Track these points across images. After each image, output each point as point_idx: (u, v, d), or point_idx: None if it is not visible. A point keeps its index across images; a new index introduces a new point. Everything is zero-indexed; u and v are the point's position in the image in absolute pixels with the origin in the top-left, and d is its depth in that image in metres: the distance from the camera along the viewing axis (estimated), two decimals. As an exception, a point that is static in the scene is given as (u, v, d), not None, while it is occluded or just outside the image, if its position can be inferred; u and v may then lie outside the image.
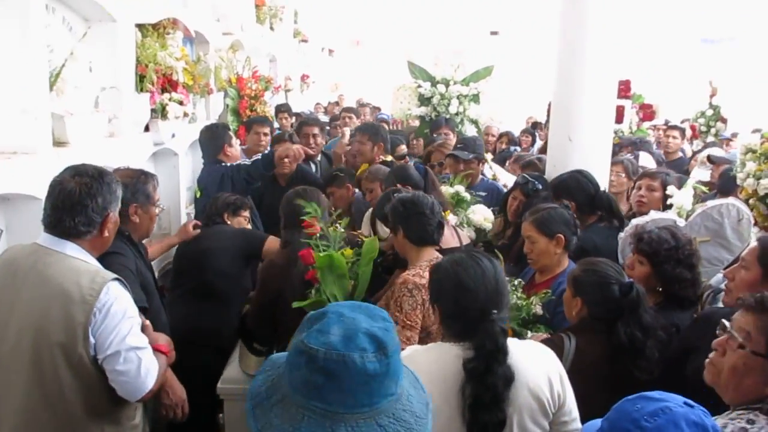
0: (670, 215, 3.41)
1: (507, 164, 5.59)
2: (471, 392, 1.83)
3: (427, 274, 2.65)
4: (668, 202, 3.58)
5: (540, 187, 3.97)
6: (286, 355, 1.31)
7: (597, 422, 1.53)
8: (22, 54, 2.85)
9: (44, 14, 3.01)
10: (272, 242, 3.64)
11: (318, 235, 2.92)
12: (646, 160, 5.54)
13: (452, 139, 5.68)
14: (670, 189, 3.62)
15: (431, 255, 2.81)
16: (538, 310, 2.71)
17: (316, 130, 5.36)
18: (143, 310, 2.45)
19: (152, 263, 3.42)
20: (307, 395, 1.16)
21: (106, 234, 2.30)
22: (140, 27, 4.11)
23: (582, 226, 3.35)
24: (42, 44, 2.98)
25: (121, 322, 2.16)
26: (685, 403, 1.38)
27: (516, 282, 2.84)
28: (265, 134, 5.24)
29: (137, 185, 2.87)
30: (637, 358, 2.31)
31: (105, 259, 2.42)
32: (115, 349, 2.14)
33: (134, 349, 2.18)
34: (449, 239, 3.29)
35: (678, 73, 13.54)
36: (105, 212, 2.25)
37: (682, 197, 3.54)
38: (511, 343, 1.92)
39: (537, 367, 1.94)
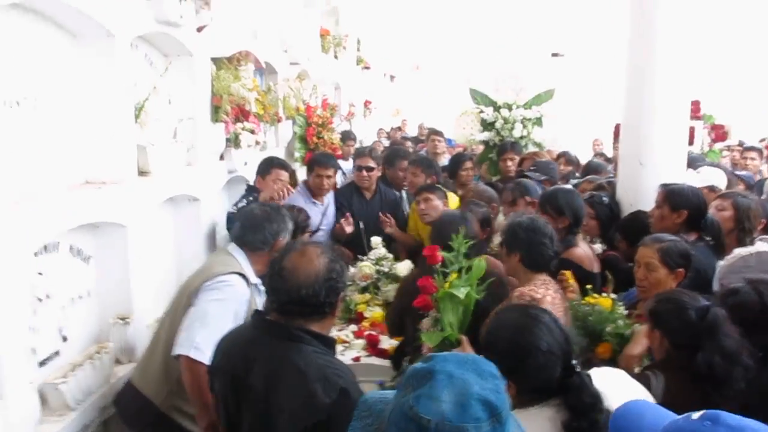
0: None
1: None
2: None
3: (541, 291, 2.66)
4: None
5: (606, 199, 3.94)
6: (382, 399, 1.28)
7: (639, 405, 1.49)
8: (110, 90, 3.04)
9: (128, 51, 3.18)
10: None
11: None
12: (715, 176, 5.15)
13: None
14: None
15: (544, 277, 2.79)
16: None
17: (404, 164, 5.42)
18: None
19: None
20: None
21: (275, 254, 2.68)
22: (215, 60, 4.28)
23: None
24: (128, 80, 3.15)
25: (213, 300, 2.67)
26: None
27: (619, 303, 2.83)
28: (329, 177, 4.79)
29: (343, 268, 2.25)
30: (721, 387, 2.17)
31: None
32: (193, 308, 2.69)
33: (201, 316, 2.63)
34: (591, 260, 3.32)
35: (750, 91, 13.10)
36: (277, 235, 2.93)
37: None
38: (598, 382, 1.83)
39: (627, 395, 1.81)
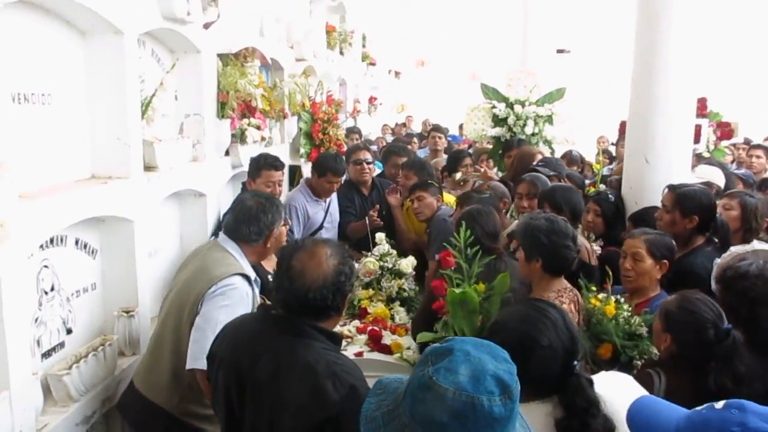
0: None
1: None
2: None
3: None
4: None
5: (612, 198, 3.95)
6: (397, 379, 1.34)
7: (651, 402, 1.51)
8: (117, 86, 3.05)
9: (136, 48, 3.20)
10: None
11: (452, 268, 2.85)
12: (713, 175, 4.98)
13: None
14: None
15: (561, 285, 2.72)
16: (644, 332, 2.66)
17: (399, 160, 5.44)
18: None
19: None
20: (430, 430, 1.18)
21: (268, 245, 2.89)
22: (221, 57, 4.29)
23: (689, 247, 3.29)
24: (135, 77, 3.17)
25: (222, 306, 2.58)
26: None
27: (620, 297, 2.80)
28: (338, 183, 4.81)
29: (353, 269, 2.15)
30: None
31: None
32: (201, 318, 2.59)
33: (212, 325, 2.49)
34: (590, 253, 3.34)
35: (757, 88, 13.04)
36: (271, 226, 2.85)
37: None
38: (598, 384, 1.80)
39: (630, 401, 1.80)
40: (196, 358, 2.50)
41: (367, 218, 4.76)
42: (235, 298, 2.62)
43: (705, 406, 1.45)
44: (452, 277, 2.78)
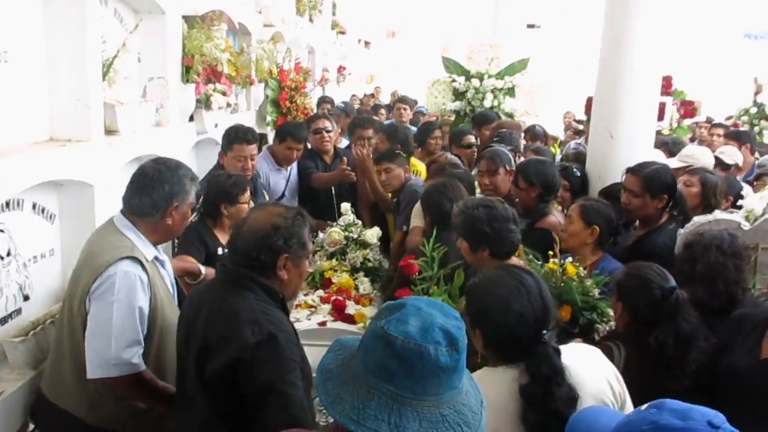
0: (735, 217, 3.19)
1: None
2: (534, 420, 1.73)
3: None
4: (738, 203, 3.35)
5: (578, 173, 4.00)
6: (354, 339, 1.39)
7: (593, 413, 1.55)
8: (78, 45, 2.96)
9: (98, 7, 3.10)
10: None
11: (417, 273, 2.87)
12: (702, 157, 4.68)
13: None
14: (746, 190, 3.44)
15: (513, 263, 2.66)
16: (596, 293, 2.68)
17: (370, 132, 5.36)
18: None
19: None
20: (379, 377, 1.24)
21: (169, 222, 2.45)
22: (187, 19, 4.19)
23: (654, 225, 3.33)
24: (96, 36, 3.07)
25: (112, 303, 2.26)
26: (709, 423, 1.27)
27: (569, 260, 2.81)
28: (299, 150, 4.71)
29: (291, 228, 2.09)
30: (671, 367, 2.21)
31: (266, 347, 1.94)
32: (93, 320, 2.28)
33: (106, 328, 2.24)
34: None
35: (720, 68, 13.25)
36: (170, 200, 2.41)
37: (754, 201, 3.24)
38: (565, 354, 1.82)
39: (595, 373, 1.87)
40: (98, 366, 2.26)
41: (332, 188, 4.75)
42: (122, 287, 2.27)
43: (634, 410, 1.47)
44: (417, 282, 2.82)
